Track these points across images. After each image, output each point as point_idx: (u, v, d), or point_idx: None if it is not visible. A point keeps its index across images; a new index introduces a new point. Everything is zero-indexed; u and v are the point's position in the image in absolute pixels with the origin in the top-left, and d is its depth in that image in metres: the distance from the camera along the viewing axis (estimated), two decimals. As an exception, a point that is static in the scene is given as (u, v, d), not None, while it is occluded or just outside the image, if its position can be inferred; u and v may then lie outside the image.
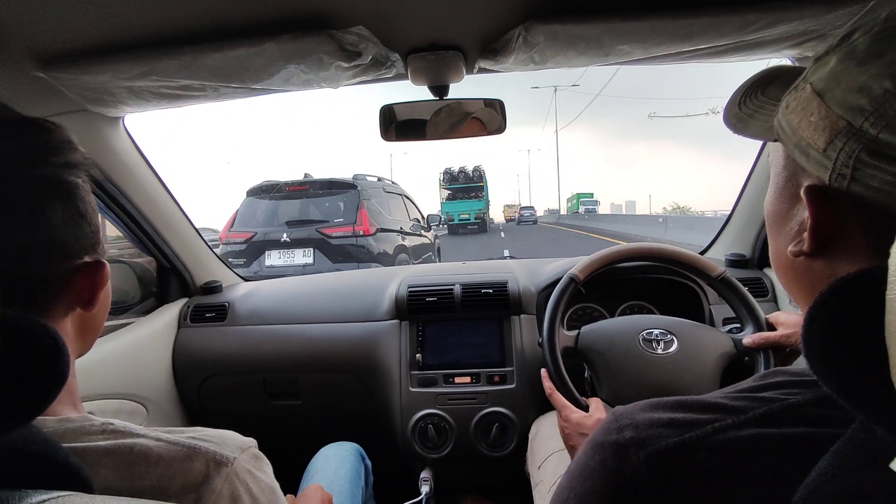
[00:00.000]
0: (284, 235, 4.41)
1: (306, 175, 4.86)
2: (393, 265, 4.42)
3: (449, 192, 22.58)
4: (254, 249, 4.44)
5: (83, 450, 0.40)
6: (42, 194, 0.42)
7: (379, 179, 5.07)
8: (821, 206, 0.35)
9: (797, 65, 0.94)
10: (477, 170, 22.76)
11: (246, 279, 1.71)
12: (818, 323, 0.30)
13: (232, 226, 4.55)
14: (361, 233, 4.37)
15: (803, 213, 0.37)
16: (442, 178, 23.11)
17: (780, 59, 0.90)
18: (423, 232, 5.83)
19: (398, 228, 4.97)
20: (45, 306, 0.44)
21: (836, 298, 0.29)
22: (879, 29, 0.32)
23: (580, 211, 46.48)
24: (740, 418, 0.37)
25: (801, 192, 0.36)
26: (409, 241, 5.17)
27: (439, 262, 5.87)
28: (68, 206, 0.44)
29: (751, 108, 0.45)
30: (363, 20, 0.76)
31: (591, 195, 57.44)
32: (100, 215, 0.50)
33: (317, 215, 4.60)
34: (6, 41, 0.71)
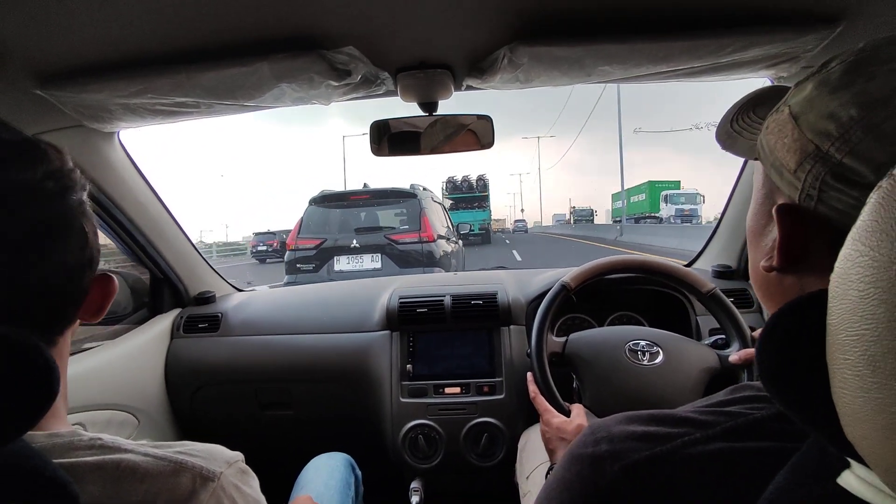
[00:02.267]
0: (354, 241, 4.61)
1: (365, 185, 5.14)
2: (450, 267, 4.91)
3: (451, 201, 22.19)
4: (323, 255, 4.65)
5: (71, 465, 0.40)
6: (78, 215, 0.44)
7: (424, 189, 5.26)
8: (790, 223, 0.36)
9: (776, 84, 0.98)
10: (481, 179, 22.39)
11: (239, 290, 1.72)
12: (770, 343, 0.31)
13: (299, 233, 4.75)
14: (426, 239, 4.58)
15: (776, 230, 0.38)
16: (444, 188, 22.77)
17: (757, 78, 0.93)
18: (457, 239, 6.04)
19: (446, 235, 5.22)
20: (71, 319, 0.46)
21: (787, 320, 0.30)
22: (853, 59, 0.33)
23: (663, 214, 28.46)
24: (708, 432, 0.39)
25: (773, 210, 0.37)
26: (451, 247, 5.32)
27: (464, 268, 6.01)
28: (91, 225, 0.46)
29: (741, 125, 0.46)
30: (353, 41, 0.78)
31: (678, 184, 32.37)
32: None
33: (383, 222, 4.84)
34: (6, 60, 0.73)
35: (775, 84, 0.98)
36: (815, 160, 0.33)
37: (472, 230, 20.78)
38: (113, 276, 0.49)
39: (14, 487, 0.35)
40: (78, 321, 0.49)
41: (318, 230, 4.78)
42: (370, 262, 4.62)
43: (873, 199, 0.24)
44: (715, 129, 0.50)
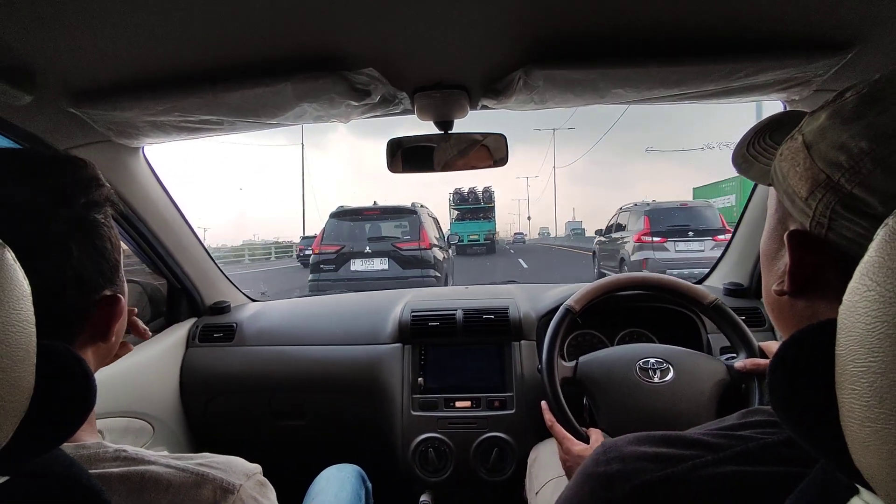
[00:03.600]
0: (367, 248, 5.88)
1: (375, 202, 6.34)
2: (442, 270, 6.11)
3: (458, 212, 22.69)
4: (342, 259, 5.92)
5: (99, 476, 0.42)
6: (68, 232, 0.44)
7: (422, 206, 6.45)
8: (801, 250, 0.37)
9: (788, 107, 0.99)
10: (487, 191, 22.87)
11: (254, 300, 1.75)
12: (781, 371, 0.32)
13: (322, 241, 6.07)
14: (424, 247, 5.85)
15: (788, 255, 0.39)
16: (452, 199, 23.25)
17: (770, 101, 0.94)
18: (447, 248, 7.29)
19: (439, 244, 6.41)
20: (69, 339, 0.46)
21: (798, 348, 0.31)
22: (867, 91, 0.34)
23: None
24: (719, 455, 0.40)
25: (784, 236, 0.38)
26: (442, 255, 6.48)
27: (453, 274, 7.29)
28: (89, 243, 0.46)
29: (757, 150, 0.47)
30: (373, 62, 0.81)
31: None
32: (121, 248, 0.52)
33: (389, 233, 6.07)
34: (43, 80, 0.77)
35: (789, 107, 0.99)
36: (825, 189, 0.34)
37: (478, 240, 21.20)
38: (121, 297, 0.49)
39: (56, 494, 0.37)
40: (101, 342, 0.49)
41: (337, 238, 6.02)
42: (379, 264, 5.86)
43: (880, 235, 0.25)
44: (732, 152, 0.51)
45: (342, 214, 6.21)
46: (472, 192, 22.98)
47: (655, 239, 7.37)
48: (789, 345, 0.32)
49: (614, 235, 8.79)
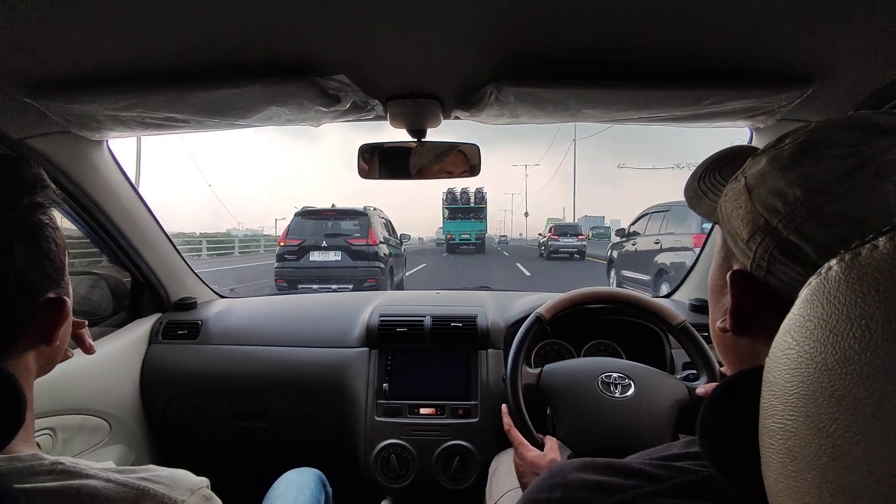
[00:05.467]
0: (324, 242, 6.98)
1: (333, 205, 7.50)
2: (387, 263, 7.25)
3: (450, 211, 23.06)
4: (302, 251, 7.02)
5: (31, 490, 0.40)
6: (9, 235, 0.43)
7: (374, 209, 7.66)
8: (742, 290, 0.38)
9: (755, 134, 1.01)
10: (479, 192, 23.31)
11: (222, 296, 1.72)
12: (709, 416, 0.32)
13: (287, 235, 7.19)
14: (371, 243, 7.00)
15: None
16: (444, 199, 23.57)
17: (737, 127, 0.96)
18: (399, 246, 8.62)
19: (386, 241, 7.56)
20: (8, 344, 0.45)
21: (730, 393, 0.32)
22: (803, 140, 0.35)
23: None
24: (658, 487, 0.40)
25: (727, 275, 0.39)
26: (390, 250, 7.69)
27: (404, 267, 8.84)
28: (32, 246, 0.45)
29: (707, 185, 0.47)
30: (344, 69, 0.80)
31: None
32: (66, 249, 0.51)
33: (343, 230, 7.17)
34: None
35: (755, 135, 1.01)
36: (765, 233, 0.35)
37: (470, 239, 22.39)
38: (66, 300, 0.48)
39: None
40: (45, 346, 0.48)
41: (299, 233, 7.12)
42: (333, 255, 6.98)
43: (803, 294, 0.25)
44: (685, 185, 0.52)
45: (305, 214, 7.35)
46: (464, 192, 23.34)
47: (555, 236, 18.01)
48: (721, 389, 0.33)
49: (546, 234, 19.63)
